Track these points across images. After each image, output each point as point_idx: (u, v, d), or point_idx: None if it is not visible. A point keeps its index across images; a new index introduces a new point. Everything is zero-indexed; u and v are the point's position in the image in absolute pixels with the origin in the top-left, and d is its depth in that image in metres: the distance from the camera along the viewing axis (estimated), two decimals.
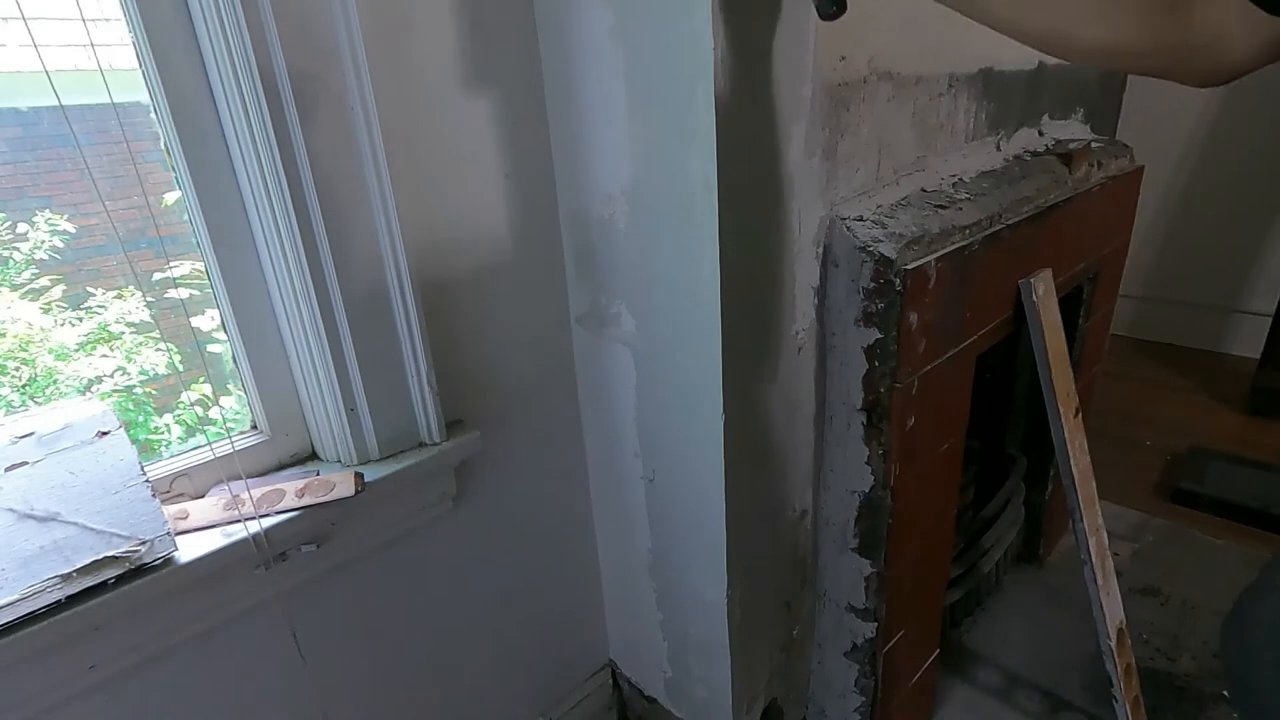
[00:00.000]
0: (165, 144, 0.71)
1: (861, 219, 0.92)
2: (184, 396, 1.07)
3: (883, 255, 0.88)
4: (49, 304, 1.27)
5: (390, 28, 0.75)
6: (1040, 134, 1.36)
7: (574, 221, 0.95)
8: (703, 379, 0.86)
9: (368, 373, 0.81)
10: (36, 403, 1.23)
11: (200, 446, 0.79)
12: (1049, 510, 1.68)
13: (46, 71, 0.61)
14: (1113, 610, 1.23)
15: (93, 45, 0.64)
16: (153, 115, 0.71)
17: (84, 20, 0.64)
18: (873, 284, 0.90)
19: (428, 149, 0.82)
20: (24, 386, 1.28)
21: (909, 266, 0.88)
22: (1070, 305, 1.42)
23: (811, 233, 0.91)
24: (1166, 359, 2.67)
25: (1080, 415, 1.24)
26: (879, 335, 0.91)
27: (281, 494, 0.77)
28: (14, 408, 1.20)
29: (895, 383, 0.93)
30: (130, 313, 1.30)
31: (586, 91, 0.85)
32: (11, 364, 1.25)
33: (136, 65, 0.68)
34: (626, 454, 1.03)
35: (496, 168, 0.88)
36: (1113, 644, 1.21)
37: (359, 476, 0.80)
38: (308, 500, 0.76)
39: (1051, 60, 1.32)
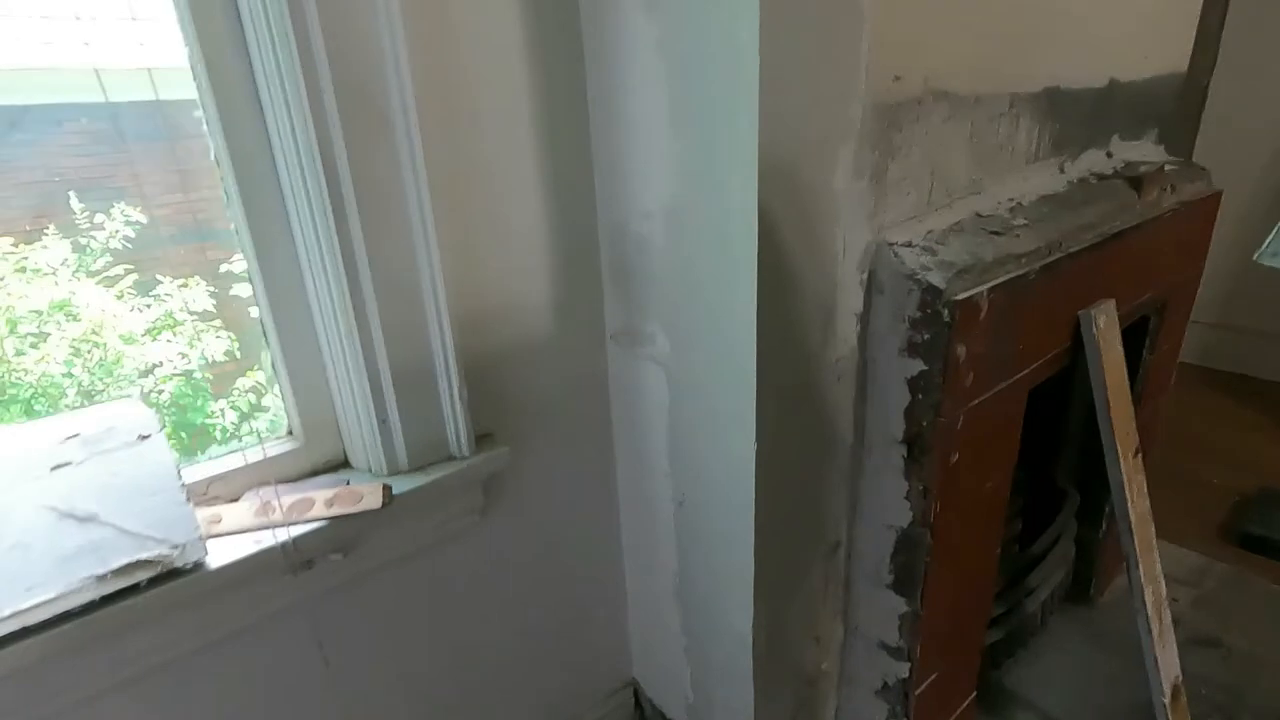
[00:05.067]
0: (214, 156, 0.73)
1: (910, 244, 0.89)
2: (239, 383, 1.11)
3: (930, 284, 0.84)
4: (121, 291, 1.32)
5: (436, 42, 0.75)
6: (1109, 155, 1.29)
7: (612, 236, 0.94)
8: (736, 406, 0.84)
9: (401, 387, 0.81)
10: (103, 384, 1.28)
11: (235, 450, 0.81)
12: (1102, 548, 1.59)
13: (149, 70, 0.64)
14: (1168, 664, 1.16)
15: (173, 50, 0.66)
16: (204, 127, 0.72)
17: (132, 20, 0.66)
18: (919, 313, 0.86)
19: (468, 159, 0.82)
20: (95, 367, 1.33)
21: (958, 297, 0.84)
22: (1134, 335, 1.34)
23: (856, 258, 0.87)
24: (1238, 391, 2.51)
25: (1141, 455, 1.17)
26: (923, 367, 0.88)
27: (311, 503, 0.78)
28: (83, 387, 1.25)
29: (939, 417, 0.89)
30: (193, 301, 1.34)
31: (629, 105, 0.84)
32: (85, 346, 1.31)
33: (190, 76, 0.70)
34: (657, 475, 1.02)
35: (536, 178, 0.88)
36: (1166, 700, 1.14)
37: (387, 489, 0.80)
38: (336, 511, 0.77)
39: (1125, 76, 1.26)
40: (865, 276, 0.89)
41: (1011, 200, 1.05)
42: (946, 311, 0.84)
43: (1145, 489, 1.17)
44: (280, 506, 0.76)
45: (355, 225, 0.74)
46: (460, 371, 0.84)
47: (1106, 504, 1.54)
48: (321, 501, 0.78)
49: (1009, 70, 0.99)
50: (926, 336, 0.86)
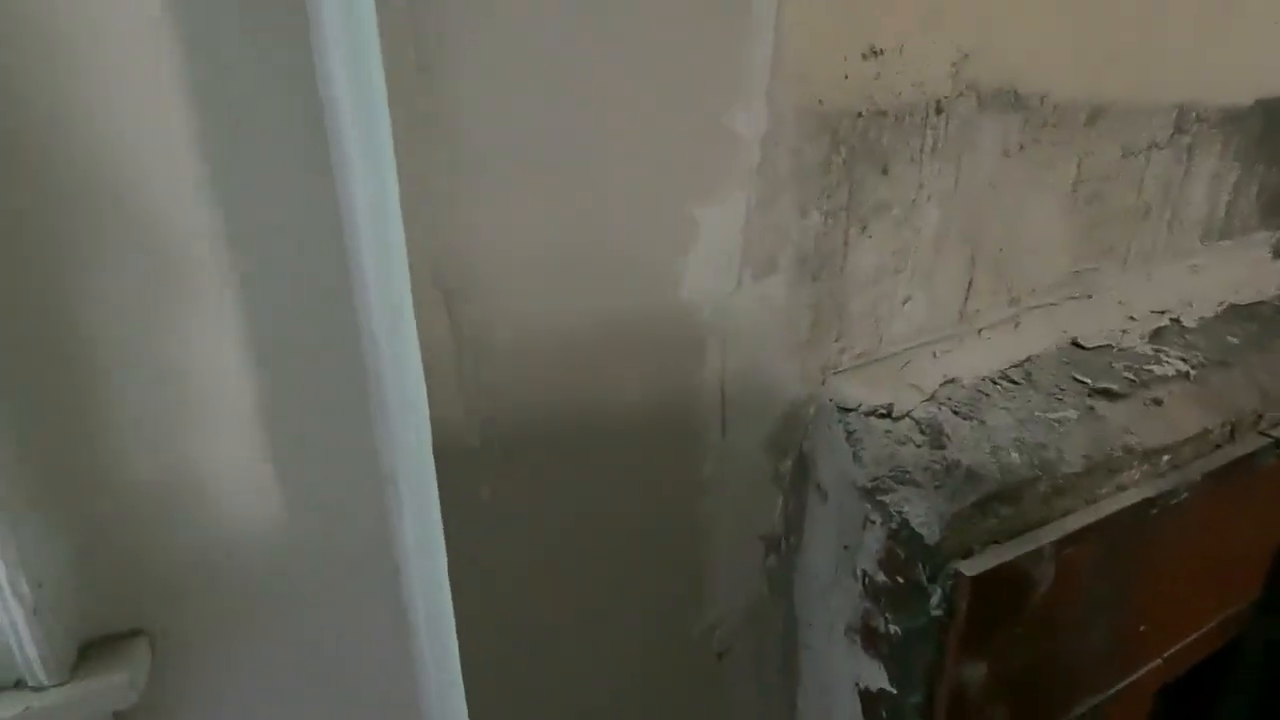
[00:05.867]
0: None
1: (889, 412, 0.41)
2: None
3: (907, 525, 0.37)
4: None
5: None
6: None
7: (367, 326, 0.54)
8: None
9: None
10: None
11: None
12: None
13: None
14: None
15: None
16: None
17: None
18: (885, 577, 0.39)
19: None
20: None
21: (971, 568, 0.36)
22: None
23: (764, 430, 0.41)
24: None
25: None
26: (888, 687, 0.40)
27: None
28: None
29: None
30: None
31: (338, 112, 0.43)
32: None
33: None
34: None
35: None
36: None
37: None
38: None
39: None
40: (788, 467, 0.43)
41: (1159, 312, 0.54)
42: (941, 595, 0.36)
43: None
44: None
45: None
46: (18, 556, 0.47)
47: None
48: None
49: (1173, 64, 0.49)
50: (896, 629, 0.39)
